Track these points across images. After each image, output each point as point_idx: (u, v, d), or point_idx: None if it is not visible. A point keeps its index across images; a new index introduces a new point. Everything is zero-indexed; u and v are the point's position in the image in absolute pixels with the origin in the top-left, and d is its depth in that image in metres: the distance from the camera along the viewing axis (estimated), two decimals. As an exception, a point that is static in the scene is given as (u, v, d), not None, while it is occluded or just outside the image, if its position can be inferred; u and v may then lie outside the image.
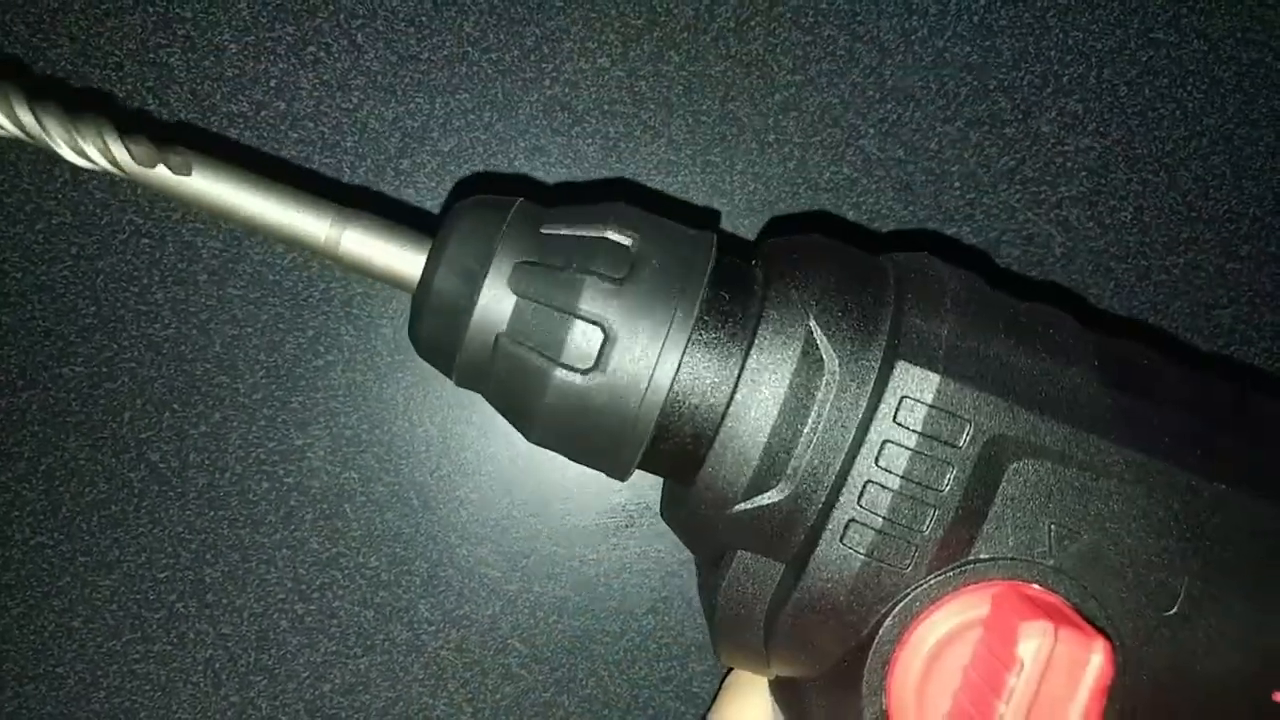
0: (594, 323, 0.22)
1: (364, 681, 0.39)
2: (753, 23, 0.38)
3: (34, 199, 0.37)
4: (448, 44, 0.37)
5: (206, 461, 0.38)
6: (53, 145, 0.23)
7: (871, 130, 0.38)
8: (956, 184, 0.38)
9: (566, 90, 0.38)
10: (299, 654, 0.39)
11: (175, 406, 0.38)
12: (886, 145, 0.38)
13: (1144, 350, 0.24)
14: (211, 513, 0.39)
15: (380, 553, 0.39)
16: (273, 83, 0.37)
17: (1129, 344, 0.24)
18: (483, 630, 0.39)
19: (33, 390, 0.38)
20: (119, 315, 0.38)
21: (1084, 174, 0.39)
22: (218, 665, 0.39)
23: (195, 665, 0.39)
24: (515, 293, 0.22)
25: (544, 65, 0.38)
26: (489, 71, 0.38)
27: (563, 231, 0.23)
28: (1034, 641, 0.19)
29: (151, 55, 0.37)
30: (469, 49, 0.37)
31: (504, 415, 0.24)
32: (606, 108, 0.38)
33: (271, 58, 0.37)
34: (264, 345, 0.38)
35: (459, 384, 0.24)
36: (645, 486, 0.39)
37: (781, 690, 0.26)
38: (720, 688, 0.33)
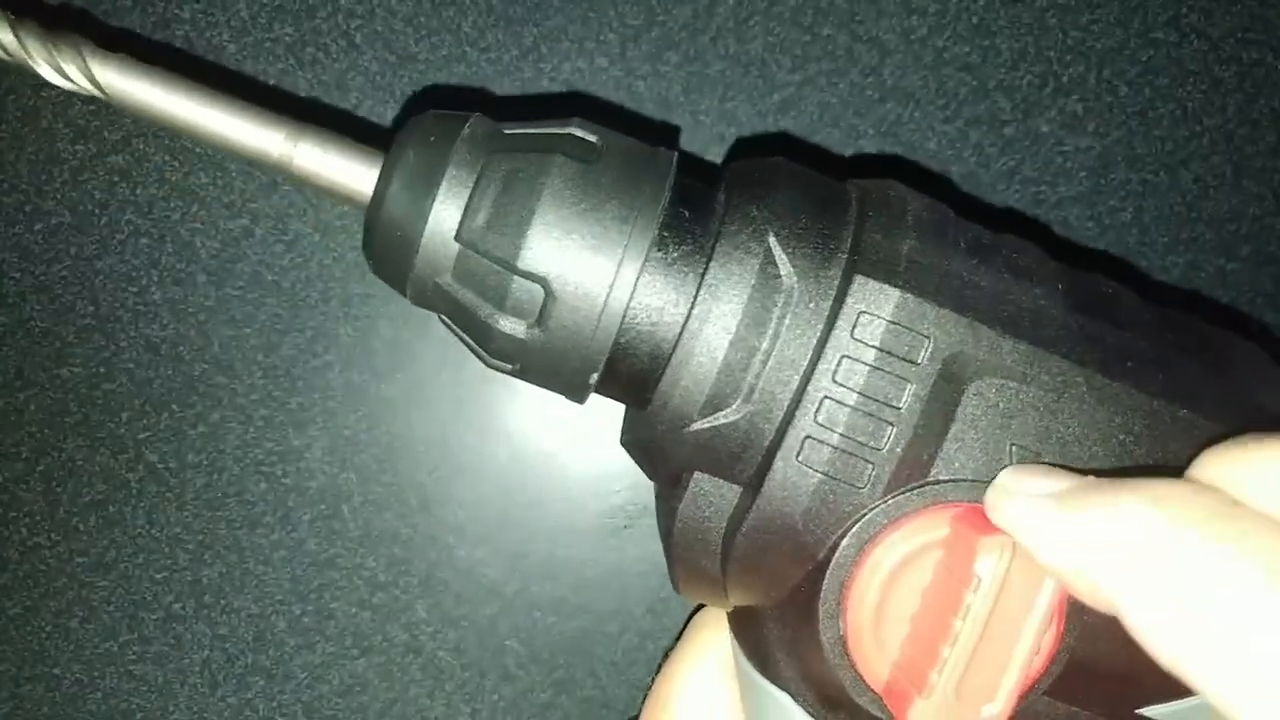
0: (538, 277, 0.22)
1: (362, 683, 0.39)
2: (751, 22, 0.38)
3: (32, 199, 0.38)
4: (446, 44, 0.37)
5: (204, 462, 0.38)
6: (33, 65, 0.22)
7: (871, 130, 0.38)
8: (956, 184, 0.38)
9: (564, 90, 0.38)
10: (296, 655, 0.39)
11: (173, 407, 0.38)
12: (886, 145, 0.38)
13: (1109, 280, 0.24)
14: (209, 513, 0.39)
15: (378, 553, 0.39)
16: (271, 83, 0.37)
17: (1095, 275, 0.24)
18: (481, 631, 0.39)
19: (31, 390, 0.38)
20: (117, 316, 0.38)
21: (1084, 174, 0.38)
22: (215, 666, 0.39)
23: (192, 666, 0.39)
24: (461, 237, 0.22)
25: (542, 65, 0.38)
26: (487, 71, 0.38)
27: (522, 135, 0.23)
28: (991, 557, 0.19)
29: (152, 58, 0.37)
30: (467, 49, 0.38)
31: (459, 338, 0.24)
32: (605, 108, 0.38)
33: (270, 58, 0.37)
34: (262, 346, 0.38)
35: (414, 304, 0.24)
36: (644, 488, 0.39)
37: (740, 625, 0.25)
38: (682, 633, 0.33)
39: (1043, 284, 0.22)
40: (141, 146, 0.37)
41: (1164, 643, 0.16)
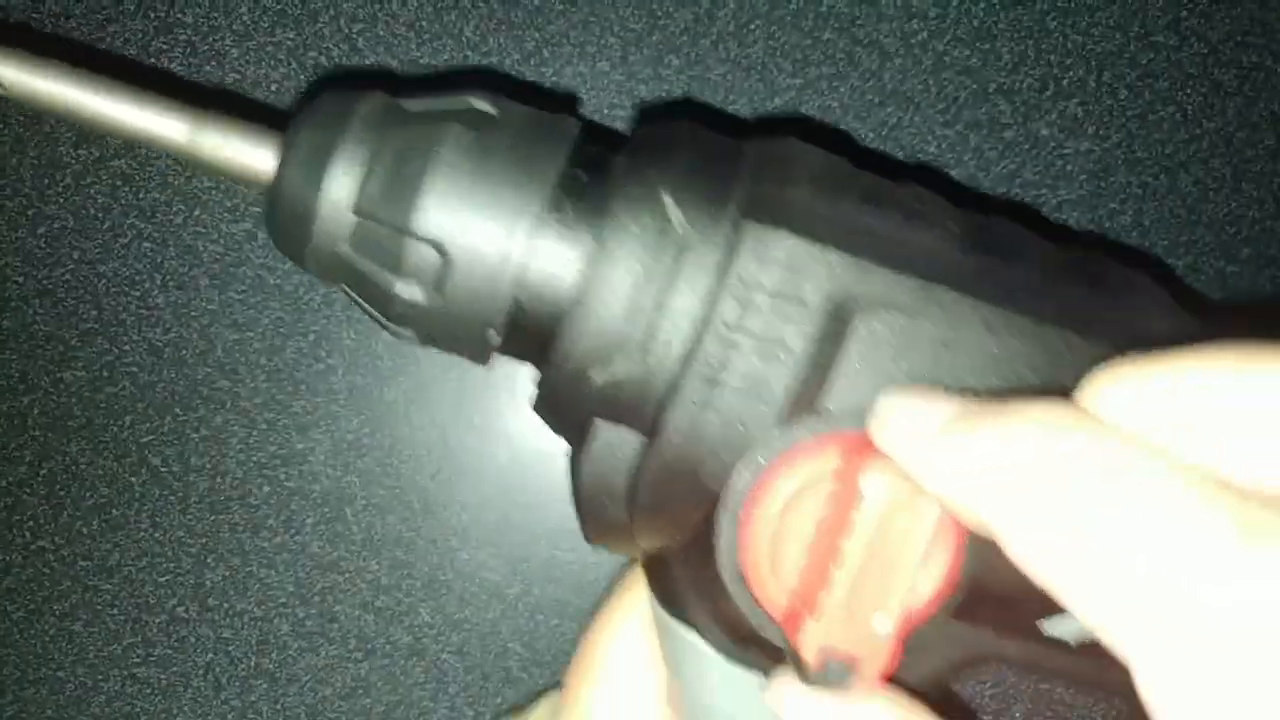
0: (433, 240, 0.22)
1: (365, 685, 0.39)
2: (752, 26, 0.38)
3: (35, 203, 0.38)
4: (448, 48, 0.38)
5: (207, 465, 0.38)
6: None
7: (871, 134, 0.38)
8: (963, 185, 0.38)
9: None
10: (300, 658, 0.39)
11: (176, 410, 0.38)
12: (886, 149, 0.38)
13: (1011, 222, 0.24)
14: (212, 517, 0.39)
15: (381, 557, 0.39)
16: (273, 87, 0.38)
17: (997, 218, 0.24)
18: (483, 634, 0.39)
19: (34, 394, 0.38)
20: (120, 320, 0.38)
21: (1084, 177, 0.39)
22: (218, 669, 0.39)
23: (196, 669, 0.39)
24: (357, 207, 0.22)
25: (544, 70, 0.38)
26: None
27: (419, 108, 0.23)
28: (875, 475, 0.19)
29: (153, 60, 0.37)
30: (469, 53, 0.38)
31: (361, 309, 0.24)
32: (606, 112, 0.38)
33: (272, 63, 0.37)
34: (265, 349, 0.38)
35: (317, 277, 0.24)
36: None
37: (652, 571, 0.26)
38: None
39: (936, 226, 0.23)
40: (144, 151, 0.38)
41: (1042, 567, 0.16)
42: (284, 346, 0.38)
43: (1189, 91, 0.39)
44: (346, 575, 0.39)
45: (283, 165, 0.23)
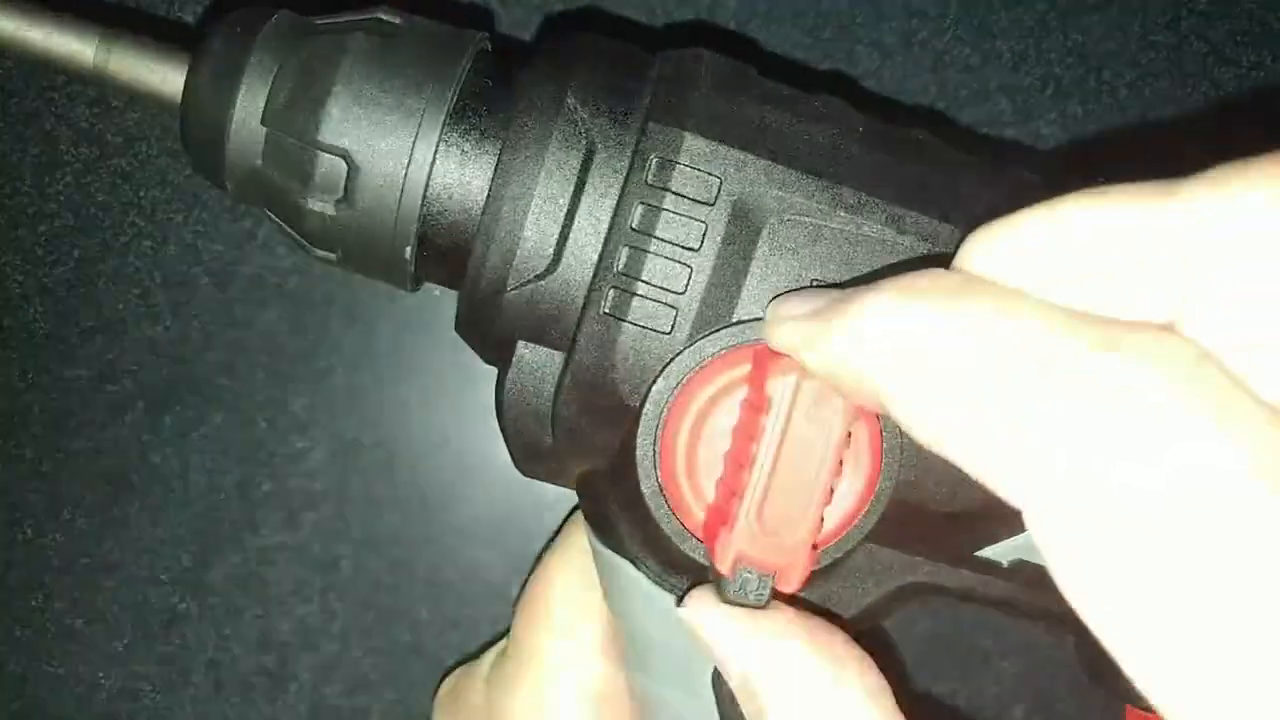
0: (339, 150, 0.22)
1: (365, 684, 0.39)
2: (752, 25, 0.38)
3: (36, 201, 0.38)
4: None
5: (208, 464, 0.38)
6: None
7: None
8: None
9: None
10: (300, 656, 0.39)
11: (176, 409, 0.38)
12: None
13: (921, 130, 0.24)
14: (213, 515, 0.39)
15: (381, 555, 0.39)
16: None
17: (907, 128, 0.24)
18: (484, 632, 0.39)
19: (34, 392, 0.38)
20: (120, 318, 0.38)
21: (1084, 176, 0.39)
22: (219, 667, 0.39)
23: (196, 667, 0.39)
24: (266, 119, 0.22)
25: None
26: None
27: (326, 22, 0.23)
28: (780, 378, 0.19)
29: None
30: None
31: (283, 233, 0.24)
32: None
33: None
34: (265, 348, 0.38)
35: (237, 199, 0.24)
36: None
37: (584, 499, 0.25)
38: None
39: (839, 125, 0.23)
40: (144, 149, 0.38)
41: (941, 445, 0.15)
42: (284, 345, 0.38)
43: (1189, 91, 0.39)
44: (347, 573, 0.39)
45: (194, 82, 0.23)
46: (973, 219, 0.21)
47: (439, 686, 0.37)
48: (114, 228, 0.38)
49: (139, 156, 0.38)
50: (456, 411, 0.39)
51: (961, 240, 0.17)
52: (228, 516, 0.39)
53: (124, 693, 0.39)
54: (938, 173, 0.23)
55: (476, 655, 0.36)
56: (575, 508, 0.33)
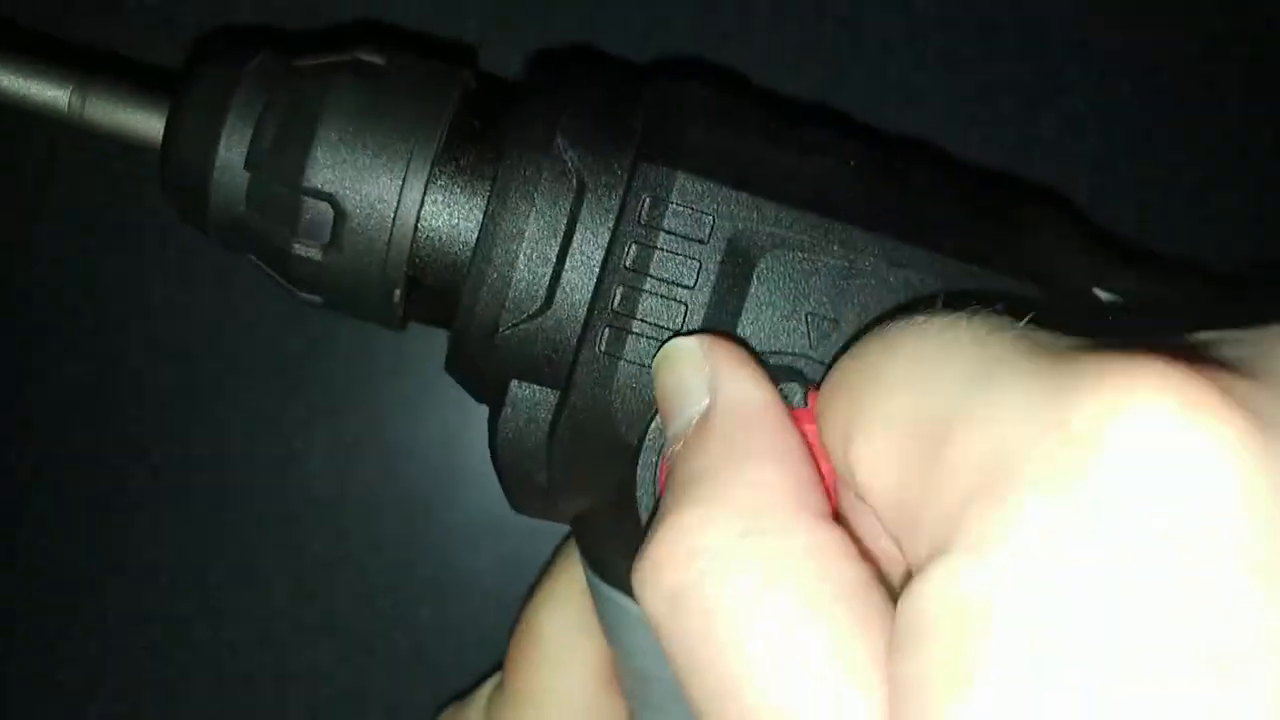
0: (326, 194, 0.22)
1: (365, 685, 0.39)
2: (754, 23, 0.38)
3: (36, 201, 0.38)
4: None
5: (208, 464, 0.38)
6: None
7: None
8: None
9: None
10: (300, 657, 0.39)
11: (177, 409, 0.38)
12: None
13: (912, 156, 0.24)
14: (213, 515, 0.39)
15: (382, 557, 0.39)
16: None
17: (898, 153, 0.24)
18: (484, 635, 0.39)
19: (35, 391, 0.38)
20: (121, 316, 0.38)
21: (1085, 175, 0.39)
22: (220, 668, 0.39)
23: (196, 667, 0.39)
24: (249, 164, 0.22)
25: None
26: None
27: (308, 63, 0.23)
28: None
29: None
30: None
31: (267, 276, 0.24)
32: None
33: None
34: (266, 347, 0.38)
35: (223, 245, 0.24)
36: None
37: (580, 534, 0.25)
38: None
39: (831, 157, 0.23)
40: (144, 149, 0.38)
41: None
42: (286, 345, 0.38)
43: (1191, 87, 0.39)
44: (347, 576, 0.39)
45: (171, 127, 0.23)
46: (973, 254, 0.21)
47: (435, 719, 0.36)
48: (114, 227, 0.38)
49: (139, 156, 0.38)
50: (457, 412, 0.39)
51: (964, 281, 0.18)
52: (228, 517, 0.39)
53: (124, 693, 0.39)
54: (930, 204, 0.23)
55: (474, 672, 0.36)
56: (565, 537, 0.33)
